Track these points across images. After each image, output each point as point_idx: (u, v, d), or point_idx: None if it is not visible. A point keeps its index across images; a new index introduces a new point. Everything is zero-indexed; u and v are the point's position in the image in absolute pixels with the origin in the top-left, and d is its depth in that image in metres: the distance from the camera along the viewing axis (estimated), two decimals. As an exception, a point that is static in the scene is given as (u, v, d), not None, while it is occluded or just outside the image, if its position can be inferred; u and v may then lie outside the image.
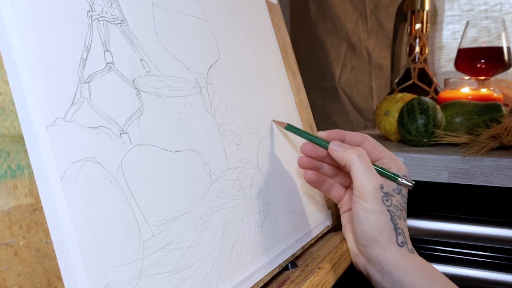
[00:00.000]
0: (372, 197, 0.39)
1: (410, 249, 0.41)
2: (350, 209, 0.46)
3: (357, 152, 0.40)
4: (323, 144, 0.43)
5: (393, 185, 0.41)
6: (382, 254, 0.40)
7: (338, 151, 0.41)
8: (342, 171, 0.46)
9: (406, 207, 0.42)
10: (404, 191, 0.42)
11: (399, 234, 0.40)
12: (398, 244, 0.40)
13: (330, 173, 0.46)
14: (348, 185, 0.47)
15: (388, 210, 0.40)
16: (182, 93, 0.33)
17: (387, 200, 0.40)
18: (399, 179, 0.41)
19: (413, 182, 0.42)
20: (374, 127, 1.02)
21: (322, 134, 0.43)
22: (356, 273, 0.45)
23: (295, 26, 1.28)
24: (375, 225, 0.39)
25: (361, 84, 1.20)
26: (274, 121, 0.46)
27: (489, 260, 0.63)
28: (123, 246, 0.25)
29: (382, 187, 0.40)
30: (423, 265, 0.40)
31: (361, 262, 0.43)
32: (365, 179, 0.39)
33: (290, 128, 0.44)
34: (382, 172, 0.41)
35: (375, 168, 0.41)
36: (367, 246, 0.41)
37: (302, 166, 0.45)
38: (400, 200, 0.41)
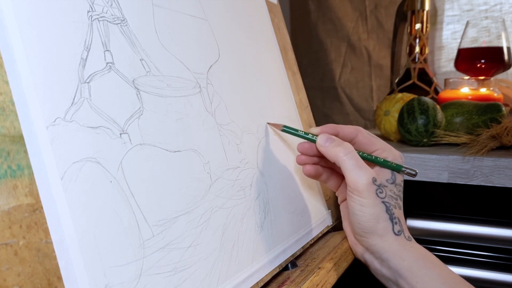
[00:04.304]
0: (365, 192, 0.39)
1: (407, 237, 0.41)
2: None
3: (343, 150, 0.39)
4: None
5: (387, 175, 0.41)
6: (379, 243, 0.40)
7: (325, 147, 0.40)
8: None
9: (402, 196, 0.42)
10: (399, 180, 0.42)
11: (396, 223, 0.40)
12: (394, 233, 0.40)
13: (327, 164, 0.46)
14: None
15: (383, 202, 0.40)
16: (182, 93, 0.33)
17: (381, 192, 0.40)
18: (403, 169, 0.41)
19: (416, 170, 0.42)
20: (374, 127, 1.02)
21: (315, 130, 0.43)
22: (356, 273, 0.45)
23: (295, 26, 1.28)
24: (371, 217, 0.39)
25: (361, 84, 1.20)
26: (269, 123, 0.45)
27: (489, 260, 0.63)
28: (123, 246, 0.25)
29: (374, 180, 0.39)
30: (420, 252, 0.40)
31: (359, 250, 0.43)
32: (356, 175, 0.39)
33: (286, 129, 0.44)
34: (385, 164, 0.41)
35: (377, 161, 0.41)
36: (364, 236, 0.41)
37: (300, 163, 0.45)
38: (394, 190, 0.41)
